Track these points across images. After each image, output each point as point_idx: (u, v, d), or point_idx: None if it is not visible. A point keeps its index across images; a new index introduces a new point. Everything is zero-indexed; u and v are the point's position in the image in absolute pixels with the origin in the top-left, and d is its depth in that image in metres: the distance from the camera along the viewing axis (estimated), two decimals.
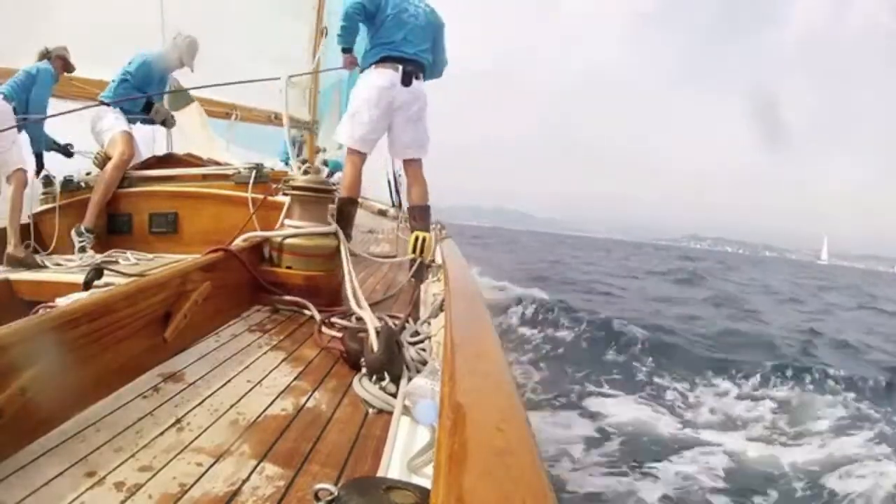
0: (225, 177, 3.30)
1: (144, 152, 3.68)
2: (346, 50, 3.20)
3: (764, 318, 12.32)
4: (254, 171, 3.16)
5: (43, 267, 2.64)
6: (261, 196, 2.86)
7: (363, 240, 4.42)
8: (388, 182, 6.90)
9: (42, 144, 3.33)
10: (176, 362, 1.40)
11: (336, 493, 0.73)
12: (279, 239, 2.23)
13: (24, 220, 2.93)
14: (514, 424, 0.63)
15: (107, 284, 1.54)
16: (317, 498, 0.74)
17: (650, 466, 4.33)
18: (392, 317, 1.96)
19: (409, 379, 1.33)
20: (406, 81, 3.04)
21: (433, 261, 2.78)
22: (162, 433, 1.04)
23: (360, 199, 3.49)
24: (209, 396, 1.23)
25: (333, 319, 1.89)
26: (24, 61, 3.21)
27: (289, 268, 2.19)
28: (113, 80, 3.46)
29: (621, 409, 5.54)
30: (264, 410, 1.19)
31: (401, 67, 3.02)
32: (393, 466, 0.96)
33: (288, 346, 1.66)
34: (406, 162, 3.31)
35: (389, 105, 3.07)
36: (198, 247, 2.24)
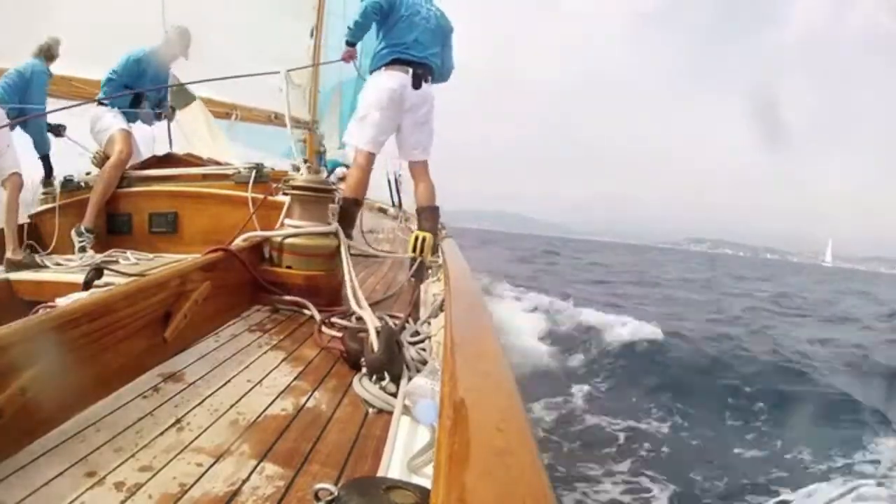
0: (225, 176, 3.30)
1: (144, 152, 3.69)
2: (351, 44, 3.21)
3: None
4: (254, 171, 3.16)
5: (43, 267, 2.64)
6: (261, 196, 2.86)
7: (363, 239, 4.42)
8: (389, 182, 6.90)
9: (46, 147, 3.32)
10: (176, 362, 1.40)
11: (336, 493, 0.73)
12: (279, 239, 2.23)
13: (24, 220, 2.94)
14: (514, 424, 0.63)
15: (107, 284, 1.54)
16: (317, 498, 0.74)
17: None
18: (392, 316, 1.96)
19: (409, 379, 1.33)
20: (416, 84, 3.07)
21: (435, 260, 2.79)
22: (162, 433, 1.04)
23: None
24: (209, 396, 1.23)
25: (333, 319, 1.89)
26: (24, 61, 3.21)
27: (289, 267, 2.19)
28: (103, 80, 3.47)
29: None
30: (264, 410, 1.19)
31: (411, 70, 3.05)
32: (393, 466, 0.96)
33: (288, 346, 1.66)
34: (412, 163, 3.34)
35: (399, 107, 3.10)
36: (198, 247, 2.24)
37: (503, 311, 9.05)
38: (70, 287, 1.70)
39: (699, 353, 7.63)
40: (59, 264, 2.68)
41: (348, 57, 3.28)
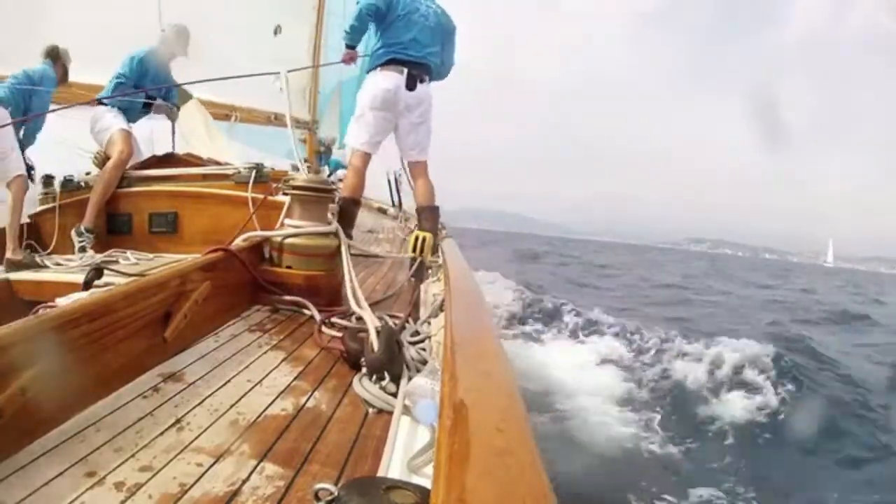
0: (225, 176, 3.30)
1: (144, 151, 3.69)
2: (350, 47, 3.20)
3: None
4: (254, 171, 3.16)
5: (43, 267, 2.64)
6: (261, 196, 2.86)
7: (363, 239, 4.42)
8: (389, 182, 6.90)
9: (31, 142, 3.30)
10: (176, 362, 1.40)
11: (336, 493, 0.73)
12: (279, 239, 2.23)
13: (24, 220, 2.94)
14: (514, 424, 0.63)
15: (107, 284, 1.54)
16: (317, 498, 0.74)
17: None
18: (392, 316, 1.95)
19: (409, 379, 1.33)
20: (410, 85, 3.04)
21: (435, 260, 2.78)
22: (162, 433, 1.04)
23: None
24: (209, 396, 1.23)
25: (333, 319, 1.89)
26: (22, 63, 3.21)
27: (289, 267, 2.19)
28: (110, 82, 3.47)
29: None
30: (264, 410, 1.19)
31: (406, 70, 3.02)
32: (393, 466, 0.96)
33: (288, 346, 1.66)
34: (411, 163, 3.33)
35: (394, 108, 3.08)
36: (198, 247, 2.24)
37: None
38: (70, 287, 1.70)
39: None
40: (59, 264, 2.68)
41: (349, 59, 3.26)
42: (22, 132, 3.12)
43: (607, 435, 4.90)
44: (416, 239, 2.92)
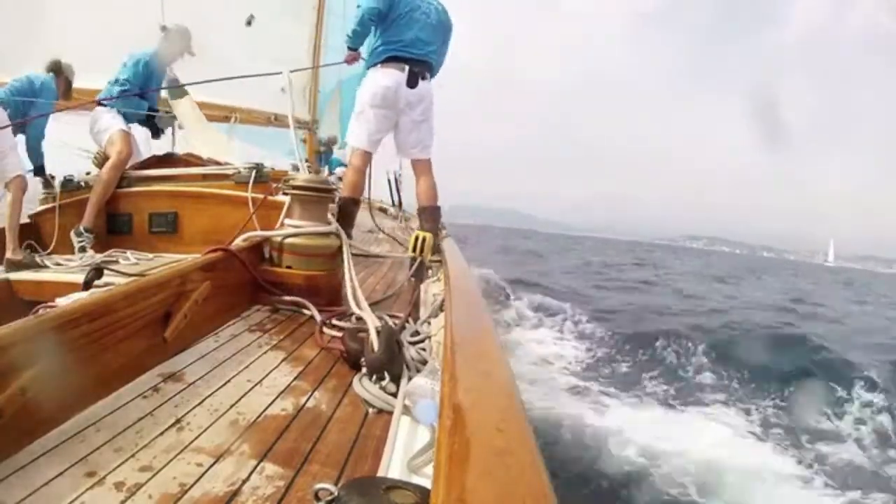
0: (225, 176, 3.30)
1: (144, 152, 3.70)
2: (352, 49, 3.18)
3: None
4: (254, 171, 3.16)
5: (43, 267, 2.64)
6: (261, 196, 2.86)
7: (363, 239, 4.42)
8: (389, 182, 6.91)
9: (41, 158, 3.32)
10: (176, 362, 1.40)
11: (336, 493, 0.73)
12: (279, 239, 2.23)
13: (24, 220, 2.94)
14: (514, 424, 0.63)
15: (107, 284, 1.54)
16: (317, 498, 0.74)
17: None
18: (392, 316, 1.95)
19: (409, 379, 1.33)
20: (412, 82, 3.02)
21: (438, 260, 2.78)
22: (162, 433, 1.04)
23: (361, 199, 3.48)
24: (209, 396, 1.23)
25: (333, 319, 1.89)
26: (21, 64, 3.22)
27: (289, 267, 2.19)
28: (109, 83, 3.47)
29: None
30: (264, 410, 1.19)
31: (407, 68, 3.00)
32: (393, 466, 0.96)
33: (288, 346, 1.66)
34: (414, 162, 3.29)
35: (395, 105, 3.06)
36: (198, 247, 2.24)
37: None
38: (70, 287, 1.70)
39: None
40: (59, 264, 2.68)
41: (352, 60, 3.23)
42: (24, 143, 3.14)
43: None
44: (417, 239, 2.92)
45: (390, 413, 1.18)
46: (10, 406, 0.89)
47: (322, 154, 7.66)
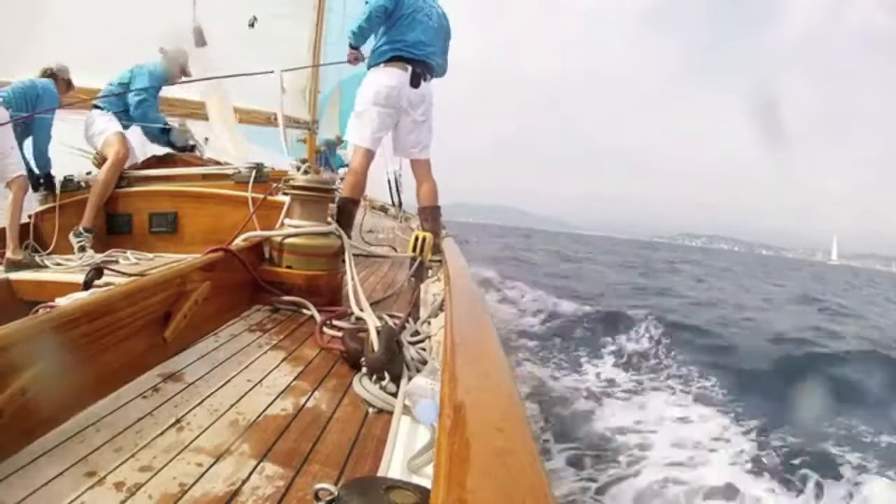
0: (225, 176, 3.30)
1: (139, 156, 3.72)
2: (354, 47, 3.18)
3: None
4: (254, 171, 3.16)
5: (43, 267, 2.64)
6: (261, 196, 2.86)
7: (363, 239, 4.43)
8: (389, 181, 6.91)
9: (48, 164, 3.34)
10: (176, 362, 1.40)
11: (336, 493, 0.73)
12: (279, 238, 2.23)
13: (24, 219, 2.94)
14: (514, 424, 0.63)
15: (107, 284, 1.54)
16: (317, 498, 0.74)
17: None
18: (392, 316, 1.96)
19: (409, 379, 1.33)
20: (415, 83, 3.05)
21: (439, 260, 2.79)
22: (162, 433, 1.04)
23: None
24: (209, 396, 1.23)
25: (333, 319, 1.89)
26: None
27: (289, 267, 2.19)
28: (111, 84, 3.50)
29: None
30: (264, 410, 1.19)
31: (410, 68, 3.03)
32: (393, 466, 0.96)
33: (288, 346, 1.66)
34: (413, 162, 3.33)
35: (397, 104, 3.08)
36: (198, 247, 2.24)
37: None
38: (70, 287, 1.70)
39: None
40: (59, 264, 2.68)
41: (354, 59, 3.23)
42: (30, 149, 3.16)
43: None
44: (417, 239, 2.93)
45: (390, 413, 1.18)
46: (10, 406, 0.89)
47: (322, 154, 7.67)
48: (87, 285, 1.54)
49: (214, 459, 0.96)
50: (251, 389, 1.30)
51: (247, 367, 1.44)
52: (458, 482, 0.50)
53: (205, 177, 3.38)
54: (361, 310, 1.85)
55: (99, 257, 2.75)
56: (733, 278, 23.73)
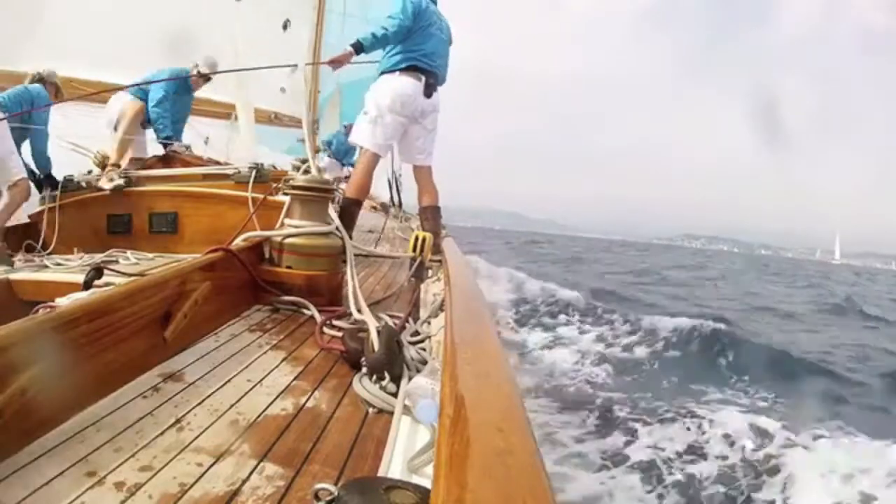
0: (225, 176, 3.31)
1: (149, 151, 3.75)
2: (359, 51, 3.10)
3: None
4: (254, 171, 3.16)
5: (43, 267, 2.64)
6: (261, 196, 2.86)
7: (363, 239, 4.42)
8: (389, 182, 6.91)
9: (49, 165, 3.35)
10: (176, 362, 1.40)
11: (336, 493, 0.73)
12: (279, 238, 2.23)
13: (24, 220, 2.95)
14: (514, 424, 0.63)
15: (107, 284, 1.54)
16: (317, 498, 0.74)
17: None
18: (392, 316, 1.96)
19: (409, 379, 1.33)
20: (428, 93, 3.13)
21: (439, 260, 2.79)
22: (162, 433, 1.04)
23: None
24: (209, 396, 1.23)
25: (333, 319, 1.89)
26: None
27: (289, 267, 2.19)
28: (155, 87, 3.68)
29: None
30: (264, 410, 1.19)
31: (424, 78, 3.10)
32: (393, 466, 0.96)
33: (288, 346, 1.66)
34: (416, 168, 3.40)
35: (411, 113, 3.15)
36: (198, 247, 2.24)
37: None
38: (70, 287, 1.70)
39: None
40: (59, 264, 2.68)
41: (337, 63, 3.11)
42: (28, 152, 3.20)
43: None
44: (417, 239, 2.93)
45: (390, 413, 1.18)
46: (10, 406, 0.89)
47: (339, 149, 7.91)
48: (87, 285, 1.54)
49: (214, 459, 0.96)
50: (251, 389, 1.30)
51: (247, 367, 1.44)
52: (458, 482, 0.50)
53: (205, 177, 3.38)
54: (361, 310, 1.85)
55: (99, 257, 2.75)
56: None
